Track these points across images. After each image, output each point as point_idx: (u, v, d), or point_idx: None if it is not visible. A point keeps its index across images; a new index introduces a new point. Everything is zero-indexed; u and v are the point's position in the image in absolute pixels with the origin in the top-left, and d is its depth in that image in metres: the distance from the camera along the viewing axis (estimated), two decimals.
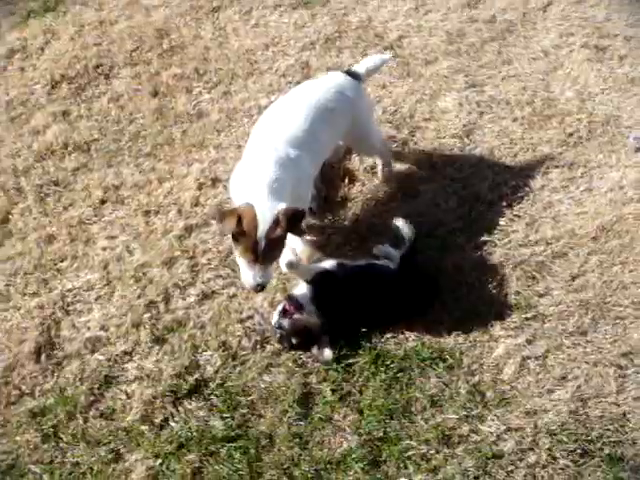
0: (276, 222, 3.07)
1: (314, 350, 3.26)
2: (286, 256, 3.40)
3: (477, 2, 4.96)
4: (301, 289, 3.35)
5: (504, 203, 3.87)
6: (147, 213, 3.88)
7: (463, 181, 3.99)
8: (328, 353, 3.23)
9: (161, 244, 3.72)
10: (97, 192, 3.98)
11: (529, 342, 3.34)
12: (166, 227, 3.80)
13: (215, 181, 4.01)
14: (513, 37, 4.76)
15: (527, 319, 3.42)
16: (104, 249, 3.72)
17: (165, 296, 3.52)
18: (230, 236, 3.19)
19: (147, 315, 3.45)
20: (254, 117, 4.30)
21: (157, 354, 3.33)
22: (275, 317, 3.30)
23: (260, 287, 3.19)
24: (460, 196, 3.91)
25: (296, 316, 3.27)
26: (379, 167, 3.99)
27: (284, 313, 3.28)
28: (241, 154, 3.91)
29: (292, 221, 3.11)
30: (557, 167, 4.05)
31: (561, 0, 4.92)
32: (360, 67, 3.76)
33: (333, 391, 3.19)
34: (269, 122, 3.45)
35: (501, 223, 3.79)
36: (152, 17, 4.95)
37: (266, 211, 3.08)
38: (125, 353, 3.34)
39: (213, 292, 3.54)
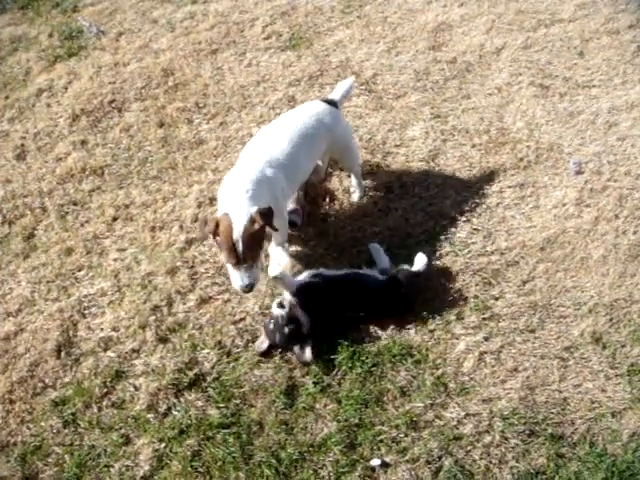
0: (251, 221, 3.05)
1: (297, 349, 3.24)
2: (273, 269, 3.40)
3: (441, 45, 4.99)
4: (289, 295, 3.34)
5: (464, 218, 3.90)
6: (153, 228, 3.88)
7: (429, 199, 4.01)
8: (309, 354, 3.22)
9: (165, 256, 3.73)
10: (110, 210, 3.98)
11: (486, 339, 3.37)
12: (169, 241, 3.80)
13: (213, 200, 3.99)
14: (471, 75, 4.80)
15: (484, 319, 3.45)
16: (115, 260, 3.73)
17: (168, 301, 3.53)
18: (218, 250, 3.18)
19: (152, 318, 3.46)
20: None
21: (161, 352, 3.33)
22: (274, 306, 3.27)
23: (248, 287, 3.14)
24: (426, 212, 3.94)
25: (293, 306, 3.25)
26: (353, 187, 3.99)
27: (281, 305, 3.26)
28: None
29: (264, 218, 3.07)
30: (510, 187, 4.08)
31: (511, 45, 4.97)
32: (335, 94, 3.79)
33: (315, 383, 3.20)
34: (254, 145, 3.45)
35: (462, 236, 3.81)
36: (160, 59, 4.96)
37: (240, 215, 3.06)
38: (133, 351, 3.35)
39: (210, 297, 3.55)
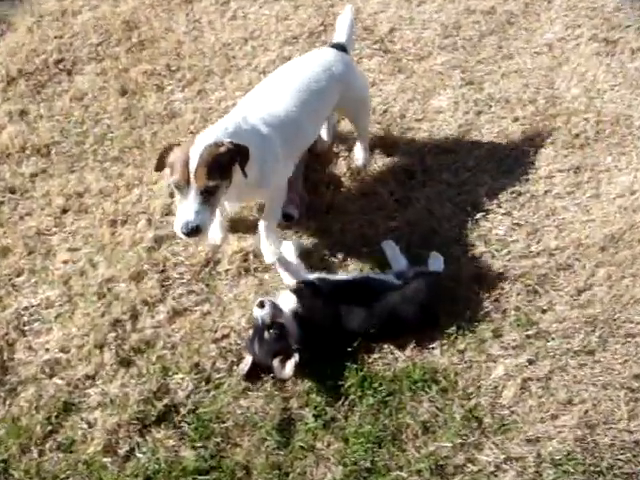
0: (217, 144, 3.02)
1: (275, 362, 3.24)
2: (268, 255, 3.49)
3: None
4: (284, 300, 3.36)
5: (503, 210, 3.91)
6: (113, 223, 3.89)
7: (459, 187, 4.03)
8: (289, 371, 3.21)
9: (128, 257, 3.74)
10: (58, 200, 3.99)
11: (531, 362, 3.36)
12: (134, 238, 3.81)
13: None
14: (514, 30, 4.81)
15: (528, 337, 3.44)
16: (65, 262, 3.73)
17: (132, 314, 3.53)
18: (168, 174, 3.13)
19: (112, 335, 3.45)
20: None
21: (123, 378, 3.32)
22: (254, 308, 3.31)
23: (192, 229, 3.02)
24: (455, 203, 3.95)
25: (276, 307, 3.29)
26: (357, 152, 4.08)
27: (261, 304, 3.28)
28: None
29: (235, 150, 3.04)
30: (561, 171, 4.10)
31: None
32: (340, 36, 3.83)
33: (316, 417, 3.20)
34: (248, 100, 3.51)
35: (500, 232, 3.82)
36: (120, 8, 4.98)
37: (207, 137, 3.06)
38: (87, 377, 3.33)
39: (185, 309, 3.56)
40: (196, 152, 3.00)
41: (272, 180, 3.44)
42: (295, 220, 3.82)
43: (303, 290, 3.39)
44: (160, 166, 3.20)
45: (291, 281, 3.48)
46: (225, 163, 3.06)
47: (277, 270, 3.57)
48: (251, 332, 3.34)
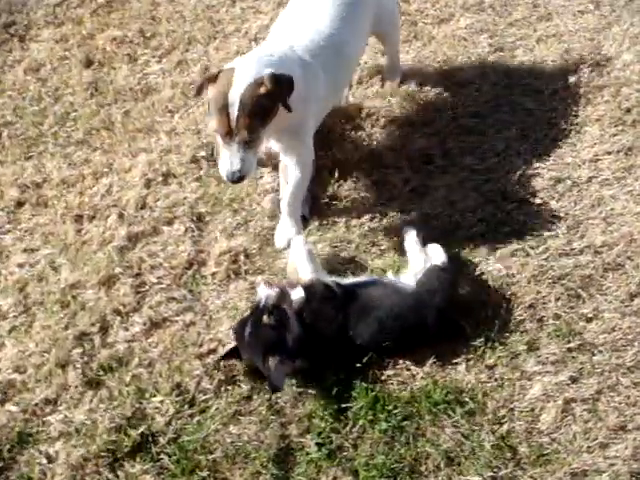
0: (257, 83, 3.30)
1: (271, 362, 3.25)
2: (280, 238, 3.70)
3: None
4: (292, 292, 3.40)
5: (538, 201, 3.94)
6: (78, 218, 3.92)
7: (486, 173, 4.06)
8: (278, 377, 3.24)
9: (97, 258, 3.76)
10: (11, 191, 4.03)
11: (574, 380, 3.37)
12: (103, 236, 3.84)
13: (167, 176, 4.08)
14: None
15: (571, 350, 3.45)
16: (21, 266, 3.76)
17: (102, 326, 3.55)
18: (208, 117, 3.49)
19: (77, 351, 3.47)
20: None
21: (90, 402, 3.33)
22: (260, 285, 3.41)
23: (237, 175, 3.39)
24: (482, 192, 3.98)
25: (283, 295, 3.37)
26: (388, 69, 4.35)
27: (269, 284, 3.38)
28: (202, 141, 4.13)
29: (278, 85, 3.31)
30: (610, 153, 4.13)
31: None
32: None
33: (319, 445, 3.21)
34: (285, 27, 3.77)
35: (535, 226, 3.85)
36: None
37: (246, 72, 3.32)
38: (47, 402, 3.34)
39: (164, 320, 3.58)
40: (236, 95, 3.27)
41: (308, 127, 3.69)
42: (308, 220, 3.88)
43: (315, 288, 3.41)
44: (199, 92, 3.48)
45: (303, 273, 3.49)
46: (268, 106, 3.36)
47: (290, 257, 3.59)
48: (246, 314, 3.39)
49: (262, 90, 3.30)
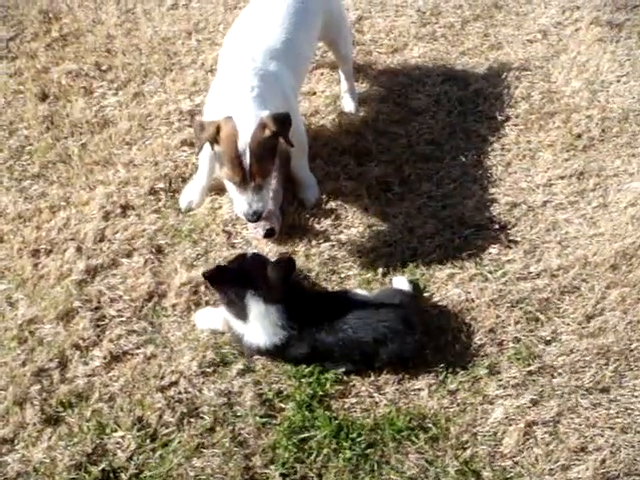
0: (261, 127, 3.43)
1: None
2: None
3: None
4: None
5: (496, 226, 3.98)
6: (35, 253, 3.87)
7: (443, 199, 4.09)
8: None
9: (55, 293, 3.72)
10: None
11: (535, 403, 3.39)
12: (61, 270, 3.80)
13: (126, 208, 4.05)
14: (502, 14, 4.91)
15: (531, 373, 3.48)
16: None
17: (60, 361, 3.51)
18: (218, 166, 3.61)
19: (36, 388, 3.41)
20: (175, 125, 4.38)
21: (49, 439, 3.28)
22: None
23: (256, 215, 3.55)
24: (440, 219, 4.01)
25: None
26: (344, 92, 4.39)
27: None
28: (160, 173, 4.05)
29: (279, 124, 3.45)
30: (563, 178, 4.19)
31: None
32: None
33: (284, 476, 3.19)
34: (241, 36, 3.87)
35: (493, 251, 3.88)
36: None
37: (247, 120, 3.43)
38: (4, 441, 3.28)
39: (125, 353, 3.54)
40: (245, 145, 3.39)
41: (298, 120, 3.85)
42: (275, 236, 3.88)
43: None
44: (201, 149, 3.63)
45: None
46: (273, 144, 3.51)
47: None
48: None
49: (267, 132, 3.43)
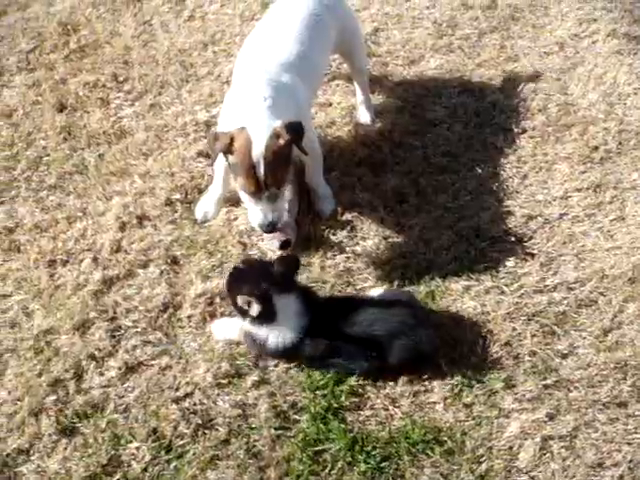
0: (274, 136, 3.44)
1: (242, 298, 3.33)
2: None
3: None
4: None
5: (512, 238, 3.96)
6: (52, 263, 3.89)
7: (459, 211, 4.08)
8: (255, 308, 3.32)
9: (71, 303, 3.72)
10: None
11: (551, 417, 3.37)
12: (77, 281, 3.81)
13: (142, 219, 4.05)
14: (519, 26, 4.90)
15: (547, 387, 3.46)
16: None
17: (76, 372, 3.51)
18: (232, 177, 3.64)
19: (51, 398, 3.42)
20: (191, 136, 4.40)
21: (64, 450, 3.28)
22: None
23: (271, 226, 3.57)
24: (456, 231, 4.00)
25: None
26: (359, 104, 4.39)
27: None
28: (176, 184, 4.06)
29: (292, 133, 3.47)
30: (580, 190, 4.17)
31: None
32: None
33: None
34: (254, 50, 3.89)
35: (509, 264, 3.86)
36: (54, 7, 5.01)
37: (261, 129, 3.45)
38: (19, 451, 3.28)
39: (140, 364, 3.54)
40: (259, 155, 3.41)
41: (308, 125, 3.82)
42: (291, 248, 3.87)
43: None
44: (214, 161, 3.72)
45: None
46: (287, 154, 3.53)
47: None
48: None
49: (280, 142, 3.45)
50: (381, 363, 3.41)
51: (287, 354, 3.45)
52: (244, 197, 3.60)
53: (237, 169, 3.51)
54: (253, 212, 3.58)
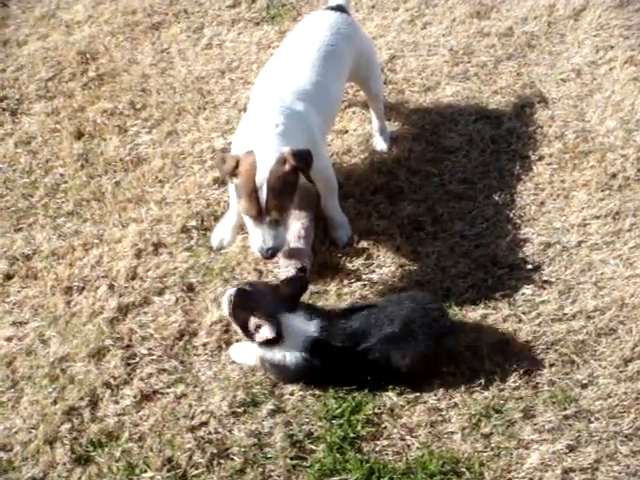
0: (280, 162, 3.46)
1: (254, 320, 3.33)
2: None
3: (489, 11, 5.12)
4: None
5: (529, 266, 3.94)
6: (68, 290, 3.89)
7: (476, 239, 4.07)
8: (266, 331, 3.31)
9: (86, 330, 3.72)
10: (0, 264, 4.00)
11: (571, 449, 3.32)
12: (93, 308, 3.81)
13: (158, 246, 4.06)
14: (535, 54, 4.91)
15: (567, 417, 3.42)
16: (9, 339, 3.71)
17: (91, 399, 3.50)
18: (236, 198, 3.66)
19: (66, 426, 3.41)
20: (208, 164, 4.41)
21: (79, 479, 3.27)
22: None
23: (271, 251, 3.55)
24: (473, 258, 3.98)
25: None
26: (375, 131, 4.43)
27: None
28: (192, 211, 4.09)
29: (299, 160, 3.48)
30: (598, 217, 4.15)
31: (597, 4, 5.06)
32: None
33: None
34: (270, 78, 3.92)
35: (527, 292, 3.84)
36: (73, 36, 5.07)
37: (267, 154, 3.48)
38: None
39: (155, 392, 3.53)
40: (263, 179, 3.44)
41: (325, 159, 3.93)
42: (307, 274, 3.83)
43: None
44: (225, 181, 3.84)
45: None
46: (292, 181, 3.53)
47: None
48: None
49: (286, 168, 3.47)
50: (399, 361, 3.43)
51: (303, 373, 3.45)
52: (246, 221, 3.61)
53: (240, 191, 3.52)
54: (254, 237, 3.59)
